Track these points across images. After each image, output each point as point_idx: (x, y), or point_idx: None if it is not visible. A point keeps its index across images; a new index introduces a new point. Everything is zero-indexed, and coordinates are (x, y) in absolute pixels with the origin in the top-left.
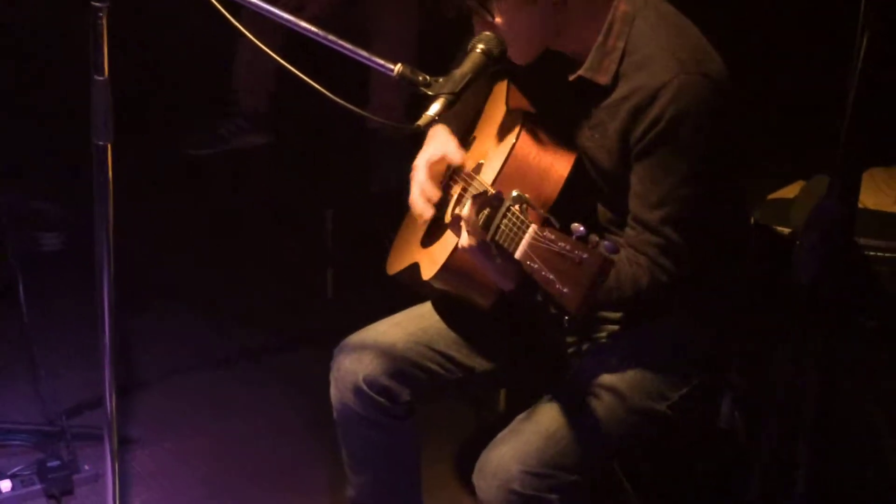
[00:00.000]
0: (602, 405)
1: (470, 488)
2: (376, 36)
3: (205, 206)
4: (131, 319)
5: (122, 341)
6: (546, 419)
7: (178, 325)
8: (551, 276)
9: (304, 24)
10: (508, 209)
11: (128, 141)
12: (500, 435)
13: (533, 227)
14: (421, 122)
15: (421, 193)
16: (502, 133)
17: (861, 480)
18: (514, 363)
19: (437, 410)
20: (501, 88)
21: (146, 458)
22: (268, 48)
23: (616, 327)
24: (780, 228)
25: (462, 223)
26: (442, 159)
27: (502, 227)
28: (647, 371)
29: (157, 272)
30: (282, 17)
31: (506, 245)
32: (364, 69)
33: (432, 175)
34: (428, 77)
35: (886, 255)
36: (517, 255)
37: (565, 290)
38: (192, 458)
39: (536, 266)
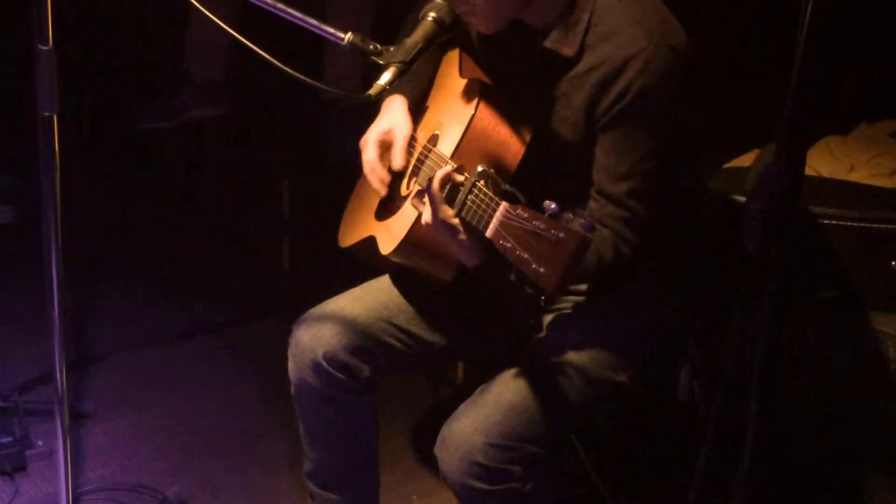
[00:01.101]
0: (563, 376)
1: (427, 461)
2: (331, 11)
3: (159, 178)
4: (85, 293)
5: (76, 315)
6: (508, 391)
7: (132, 299)
8: (526, 256)
9: None
10: (474, 185)
11: (81, 113)
12: (461, 407)
13: (504, 205)
14: (372, 91)
15: (370, 172)
16: (458, 104)
17: (815, 452)
18: (474, 336)
19: (394, 383)
20: (453, 57)
21: (100, 434)
22: (219, 18)
23: (581, 298)
24: (735, 197)
25: (425, 198)
26: (390, 132)
27: (468, 203)
28: (608, 342)
29: (111, 245)
30: None
31: (474, 222)
32: (319, 38)
33: (382, 151)
34: (379, 46)
35: (841, 223)
36: (488, 233)
37: (542, 269)
38: (147, 432)
39: (510, 245)
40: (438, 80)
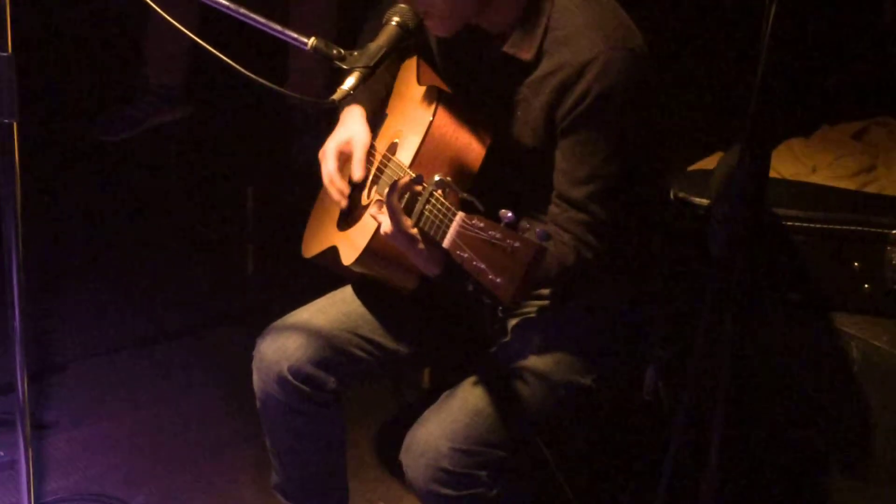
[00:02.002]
0: (528, 381)
1: (394, 467)
2: (294, 16)
3: (121, 184)
4: (47, 301)
5: (38, 323)
6: (473, 396)
7: (95, 306)
8: (483, 266)
9: None
10: (431, 194)
11: (41, 120)
12: (426, 413)
13: (460, 215)
14: (336, 96)
15: (330, 184)
16: (416, 111)
17: (778, 452)
18: (439, 343)
19: (359, 389)
20: (411, 65)
21: (62, 444)
22: (181, 23)
23: (545, 302)
24: (698, 200)
25: (384, 209)
26: (348, 143)
27: (426, 213)
28: (572, 345)
29: (72, 252)
30: None
31: (431, 232)
32: (283, 44)
33: (341, 163)
34: (343, 51)
35: (804, 224)
36: (445, 243)
37: (498, 280)
38: (110, 442)
39: (466, 255)
40: (397, 87)
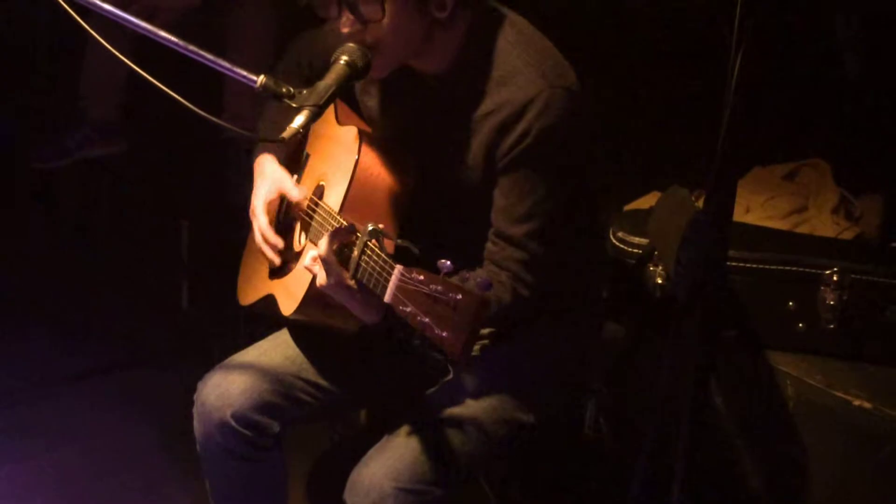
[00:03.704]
0: (470, 419)
1: None
2: (232, 45)
3: (53, 217)
4: None
5: None
6: (416, 436)
7: (24, 341)
8: (427, 321)
9: (163, 33)
10: (366, 245)
11: None
12: (370, 452)
13: (399, 269)
14: (285, 134)
15: (263, 242)
16: (339, 152)
17: (714, 490)
18: (382, 383)
19: (295, 426)
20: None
21: None
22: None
23: (486, 341)
24: (637, 239)
25: (319, 262)
26: (279, 197)
27: (363, 265)
28: (514, 383)
29: (1, 286)
30: (139, 26)
31: (370, 285)
32: (216, 80)
33: (272, 217)
34: (291, 89)
35: (739, 264)
36: (387, 298)
37: (444, 334)
38: (39, 481)
39: (409, 310)
40: (316, 127)
